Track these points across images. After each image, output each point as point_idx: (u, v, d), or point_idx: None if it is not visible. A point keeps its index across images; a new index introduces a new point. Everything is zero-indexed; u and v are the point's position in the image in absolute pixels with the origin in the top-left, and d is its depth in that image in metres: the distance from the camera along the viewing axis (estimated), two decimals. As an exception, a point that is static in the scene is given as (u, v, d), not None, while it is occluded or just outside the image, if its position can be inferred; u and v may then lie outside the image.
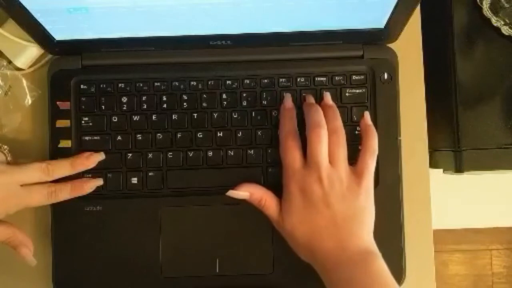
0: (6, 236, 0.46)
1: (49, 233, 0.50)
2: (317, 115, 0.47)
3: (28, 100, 0.52)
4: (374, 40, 0.50)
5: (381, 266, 0.43)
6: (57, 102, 0.51)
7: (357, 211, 0.45)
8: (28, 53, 0.52)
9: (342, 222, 0.44)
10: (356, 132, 0.50)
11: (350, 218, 0.44)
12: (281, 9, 0.45)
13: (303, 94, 0.50)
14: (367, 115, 0.49)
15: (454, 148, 0.55)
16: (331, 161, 0.45)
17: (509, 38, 0.54)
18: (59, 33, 0.48)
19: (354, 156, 0.47)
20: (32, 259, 0.47)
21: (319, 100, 0.50)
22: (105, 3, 0.43)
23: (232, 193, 0.47)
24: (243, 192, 0.47)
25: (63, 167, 0.48)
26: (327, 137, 0.46)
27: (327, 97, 0.50)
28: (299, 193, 0.45)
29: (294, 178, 0.45)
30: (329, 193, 0.44)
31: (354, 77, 0.51)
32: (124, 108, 0.51)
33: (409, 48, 0.52)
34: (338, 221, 0.44)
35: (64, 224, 0.50)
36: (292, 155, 0.46)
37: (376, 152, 0.47)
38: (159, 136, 0.50)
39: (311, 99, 0.50)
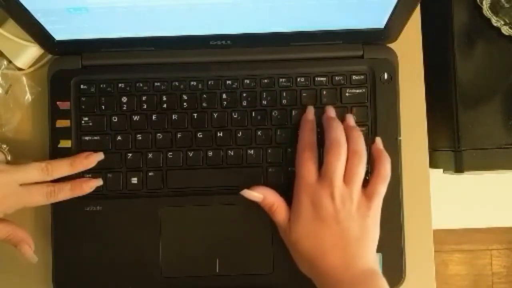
0: (6, 233, 0.46)
1: (49, 233, 0.50)
2: (339, 131, 0.47)
3: (28, 98, 0.52)
4: (374, 40, 0.50)
5: (384, 286, 0.43)
6: (57, 102, 0.51)
7: (363, 232, 0.45)
8: (28, 53, 0.52)
9: (348, 241, 0.44)
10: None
11: (357, 238, 0.44)
12: (281, 9, 0.45)
13: (326, 106, 0.50)
14: (378, 140, 0.49)
15: (454, 148, 0.55)
16: (347, 180, 0.45)
17: (509, 38, 0.54)
18: (59, 33, 0.48)
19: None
20: (33, 256, 0.47)
21: (322, 112, 0.50)
22: (105, 3, 0.43)
23: (246, 192, 0.47)
24: (257, 194, 0.47)
25: (63, 167, 0.48)
26: (346, 155, 0.46)
27: (350, 119, 0.49)
28: (309, 205, 0.45)
29: (306, 191, 0.45)
30: (339, 211, 0.44)
31: (354, 77, 0.51)
32: (124, 108, 0.51)
33: (409, 48, 0.52)
34: (345, 240, 0.44)
35: (64, 224, 0.50)
36: (308, 168, 0.46)
37: (389, 178, 0.47)
38: (159, 136, 0.50)
39: (331, 112, 0.50)
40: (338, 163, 0.45)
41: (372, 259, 0.45)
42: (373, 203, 0.45)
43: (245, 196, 0.47)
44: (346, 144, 0.46)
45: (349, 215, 0.44)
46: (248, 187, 0.47)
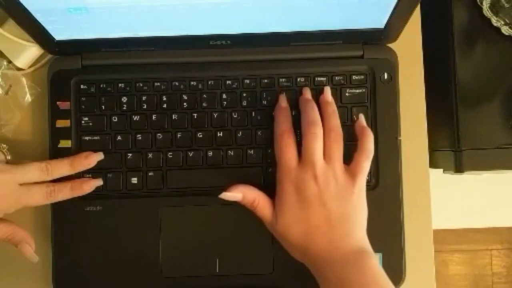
0: (6, 233, 0.46)
1: (49, 233, 0.50)
2: (313, 112, 0.47)
3: (28, 98, 0.52)
4: (374, 40, 0.50)
5: (375, 265, 0.43)
6: (57, 102, 0.51)
7: (350, 210, 0.45)
8: (28, 53, 0.52)
9: (336, 221, 0.44)
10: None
11: (344, 217, 0.44)
12: (281, 9, 0.45)
13: (302, 88, 0.50)
14: (361, 117, 0.49)
15: (454, 148, 0.55)
16: (327, 159, 0.45)
17: (509, 38, 0.54)
18: (59, 33, 0.48)
19: (351, 155, 0.47)
20: (34, 255, 0.47)
21: (319, 95, 0.50)
22: (105, 3, 0.43)
23: (225, 195, 0.47)
24: (235, 194, 0.47)
25: (63, 167, 0.48)
26: (322, 134, 0.46)
27: (327, 93, 0.49)
28: (293, 191, 0.45)
29: (289, 177, 0.45)
30: (324, 191, 0.44)
31: (354, 77, 0.51)
32: (124, 108, 0.51)
33: (409, 48, 0.52)
34: (332, 220, 0.44)
35: (64, 224, 0.50)
36: (288, 154, 0.46)
37: (372, 154, 0.47)
38: (159, 136, 0.50)
39: (307, 94, 0.50)
40: (316, 143, 0.45)
41: (361, 238, 0.45)
42: (357, 180, 0.45)
43: (224, 199, 0.47)
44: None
45: (334, 195, 0.44)
46: (225, 188, 0.47)
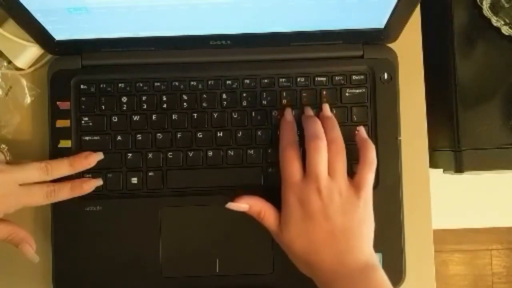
0: (7, 233, 0.46)
1: (49, 233, 0.50)
2: (315, 126, 0.47)
3: (28, 99, 0.52)
4: (374, 40, 0.50)
5: (382, 279, 0.43)
6: (57, 102, 0.51)
7: (355, 224, 0.44)
8: (28, 53, 0.52)
9: (341, 234, 0.44)
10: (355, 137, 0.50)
11: (349, 230, 0.44)
12: (281, 9, 0.45)
13: (304, 106, 0.50)
14: (361, 129, 0.49)
15: (454, 148, 0.55)
16: (330, 172, 0.45)
17: (509, 38, 0.54)
18: (59, 33, 0.48)
19: (353, 156, 0.47)
20: (34, 255, 0.47)
21: (318, 109, 0.50)
22: (105, 3, 0.43)
23: (231, 205, 0.47)
24: (242, 205, 0.47)
25: (62, 167, 0.48)
26: (326, 148, 0.46)
27: (326, 108, 0.50)
28: (297, 205, 0.45)
29: (293, 190, 0.45)
30: (328, 205, 0.44)
31: (354, 77, 0.51)
32: (124, 108, 0.51)
33: (409, 48, 0.52)
34: (337, 234, 0.44)
35: (64, 224, 0.50)
36: (292, 167, 0.46)
37: (375, 165, 0.46)
38: (159, 136, 0.51)
39: (309, 112, 0.50)
40: (319, 157, 0.45)
41: (367, 251, 0.44)
42: (362, 192, 0.45)
43: (231, 209, 0.47)
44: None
45: (339, 209, 0.44)
46: (232, 199, 0.47)
